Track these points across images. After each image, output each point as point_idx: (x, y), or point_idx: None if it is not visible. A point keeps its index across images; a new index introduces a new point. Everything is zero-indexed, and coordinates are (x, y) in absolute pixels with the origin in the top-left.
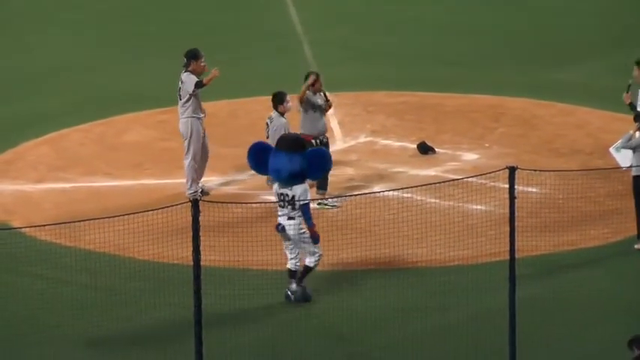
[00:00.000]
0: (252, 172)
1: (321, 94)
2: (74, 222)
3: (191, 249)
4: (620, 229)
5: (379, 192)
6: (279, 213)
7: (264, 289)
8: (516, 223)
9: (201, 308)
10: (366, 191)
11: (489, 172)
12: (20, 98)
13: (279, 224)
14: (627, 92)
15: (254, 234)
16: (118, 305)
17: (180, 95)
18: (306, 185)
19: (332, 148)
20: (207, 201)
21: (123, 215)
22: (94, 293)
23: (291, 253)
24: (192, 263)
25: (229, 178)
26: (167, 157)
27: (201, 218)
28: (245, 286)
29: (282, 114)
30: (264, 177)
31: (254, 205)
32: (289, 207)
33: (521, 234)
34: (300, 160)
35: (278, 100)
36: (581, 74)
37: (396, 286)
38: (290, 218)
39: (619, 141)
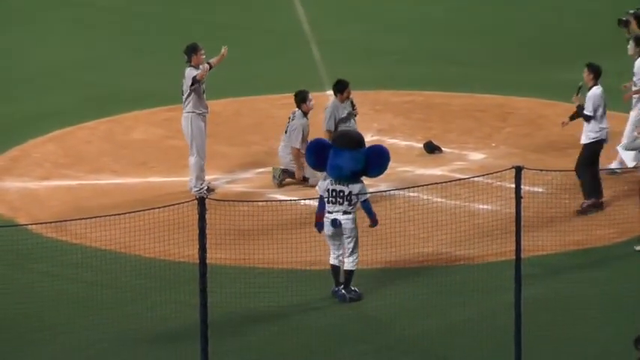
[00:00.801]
0: (259, 170)
1: (349, 102)
2: (80, 219)
3: (197, 247)
4: (626, 229)
5: (385, 191)
6: (331, 209)
7: (270, 288)
8: (522, 223)
9: (207, 306)
10: (372, 190)
11: (496, 172)
12: (24, 96)
13: (335, 219)
14: (577, 94)
15: (260, 232)
16: (124, 303)
17: (182, 91)
18: (363, 183)
19: None
20: (214, 199)
21: (129, 213)
22: (99, 291)
23: (338, 250)
24: (198, 261)
25: (235, 177)
26: (173, 154)
27: (207, 216)
28: (251, 285)
29: (305, 113)
30: (270, 176)
31: (260, 203)
32: (345, 203)
33: (527, 234)
34: (362, 157)
35: (300, 98)
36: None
37: (402, 285)
38: (346, 213)
39: (625, 141)
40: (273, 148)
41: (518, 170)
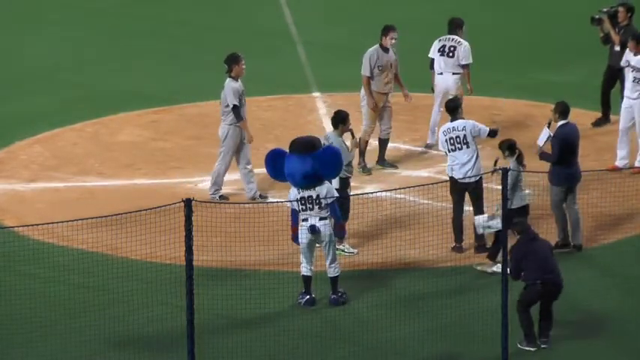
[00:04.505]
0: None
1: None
2: (67, 222)
3: (184, 249)
4: (613, 230)
5: (372, 193)
6: (305, 217)
7: (257, 289)
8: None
9: (194, 308)
10: (359, 192)
11: (483, 174)
12: (12, 98)
13: (313, 226)
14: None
15: (246, 234)
16: (111, 304)
17: (221, 101)
18: (328, 184)
19: None
20: (200, 201)
21: (116, 215)
22: (86, 292)
23: (310, 260)
24: (184, 263)
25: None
26: (160, 157)
27: (193, 218)
28: (237, 286)
29: (382, 46)
30: (256, 178)
31: (246, 205)
32: (316, 207)
33: (513, 235)
34: (312, 161)
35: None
36: (574, 75)
37: (389, 287)
38: (322, 218)
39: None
40: (260, 150)
41: (505, 172)
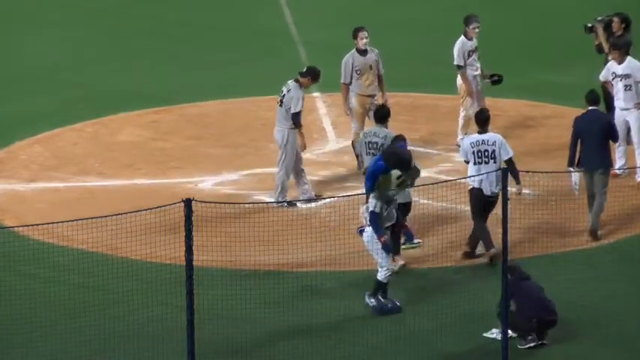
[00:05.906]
0: (245, 172)
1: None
2: (67, 222)
3: (184, 249)
4: (613, 230)
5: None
6: None
7: (257, 289)
8: (509, 225)
9: (194, 308)
10: (360, 192)
11: (482, 174)
12: (12, 98)
13: (362, 227)
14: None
15: (246, 234)
16: (111, 304)
17: (281, 102)
18: (371, 199)
19: (325, 149)
20: (200, 201)
21: (116, 215)
22: (86, 292)
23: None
24: (184, 263)
25: (222, 178)
26: (160, 157)
27: (193, 218)
28: (237, 286)
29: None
30: (254, 178)
31: (246, 205)
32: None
33: (514, 235)
34: (377, 169)
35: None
36: (574, 75)
37: (391, 287)
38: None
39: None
40: (262, 149)
41: (505, 172)
